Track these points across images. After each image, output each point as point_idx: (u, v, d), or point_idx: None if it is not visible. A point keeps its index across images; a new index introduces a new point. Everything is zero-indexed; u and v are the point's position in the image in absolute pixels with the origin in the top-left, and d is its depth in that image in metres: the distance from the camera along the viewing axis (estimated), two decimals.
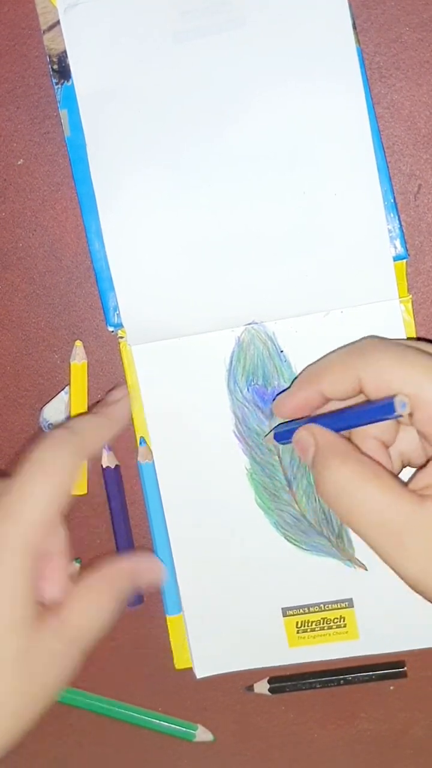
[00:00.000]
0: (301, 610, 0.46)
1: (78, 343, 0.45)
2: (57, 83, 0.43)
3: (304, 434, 0.38)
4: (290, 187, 0.42)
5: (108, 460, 0.45)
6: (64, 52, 0.43)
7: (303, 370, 0.41)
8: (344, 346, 0.40)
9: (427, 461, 0.37)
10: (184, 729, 0.48)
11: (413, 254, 0.43)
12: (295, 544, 0.45)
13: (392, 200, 0.42)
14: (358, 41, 0.41)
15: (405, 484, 0.35)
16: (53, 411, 0.45)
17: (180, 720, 0.49)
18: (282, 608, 0.46)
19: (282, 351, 0.43)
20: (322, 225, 0.42)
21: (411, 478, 0.36)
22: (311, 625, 0.46)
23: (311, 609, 0.45)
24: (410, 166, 0.43)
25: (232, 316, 0.43)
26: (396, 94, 0.43)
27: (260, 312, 0.43)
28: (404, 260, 0.42)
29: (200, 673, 0.47)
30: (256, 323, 0.43)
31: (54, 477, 0.37)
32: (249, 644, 0.46)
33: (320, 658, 0.47)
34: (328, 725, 0.49)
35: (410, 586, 0.34)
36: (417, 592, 0.34)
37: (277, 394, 0.42)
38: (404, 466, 0.39)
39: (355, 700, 0.48)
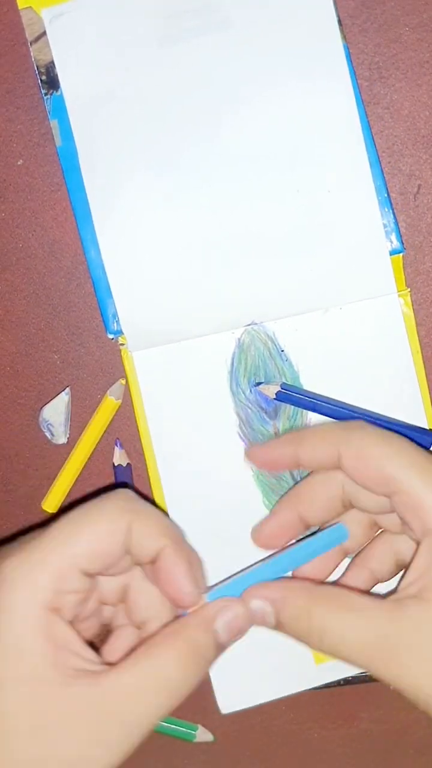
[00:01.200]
0: None
1: (122, 381, 0.45)
2: (46, 94, 0.43)
3: (259, 604, 0.34)
4: (283, 187, 0.42)
5: (119, 458, 0.45)
6: (52, 62, 0.43)
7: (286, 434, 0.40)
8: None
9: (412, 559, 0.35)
10: (184, 729, 0.48)
11: (413, 254, 0.43)
12: None
13: (386, 195, 0.42)
14: (344, 37, 0.41)
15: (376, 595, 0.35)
16: (53, 411, 0.45)
17: (180, 720, 0.49)
18: None
19: (283, 350, 0.43)
20: (317, 223, 0.42)
21: (400, 579, 0.35)
22: None
23: None
24: (410, 166, 0.43)
25: (231, 317, 0.43)
26: (396, 94, 0.43)
27: (259, 312, 0.43)
28: (401, 254, 0.42)
29: (225, 709, 0.44)
30: (256, 324, 0.43)
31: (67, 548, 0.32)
32: (272, 670, 0.43)
33: (352, 673, 0.44)
34: (328, 725, 0.48)
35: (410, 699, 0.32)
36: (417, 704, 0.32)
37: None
38: (401, 569, 0.38)
39: (355, 700, 0.48)
